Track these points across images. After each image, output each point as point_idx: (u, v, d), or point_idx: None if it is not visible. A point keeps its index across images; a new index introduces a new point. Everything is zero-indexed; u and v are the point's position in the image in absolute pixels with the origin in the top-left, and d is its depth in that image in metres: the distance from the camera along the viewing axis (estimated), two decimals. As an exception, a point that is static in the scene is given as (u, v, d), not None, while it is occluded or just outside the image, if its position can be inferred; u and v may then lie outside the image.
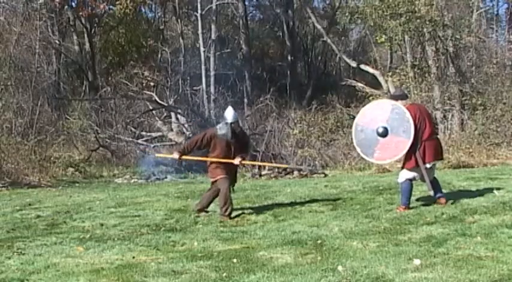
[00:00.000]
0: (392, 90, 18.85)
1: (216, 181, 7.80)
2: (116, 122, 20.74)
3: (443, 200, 7.56)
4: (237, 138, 7.80)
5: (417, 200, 8.15)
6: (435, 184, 7.60)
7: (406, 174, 7.50)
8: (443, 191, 8.74)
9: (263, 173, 15.39)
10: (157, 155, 9.01)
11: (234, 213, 7.72)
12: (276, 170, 15.94)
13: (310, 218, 7.38)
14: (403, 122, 7.31)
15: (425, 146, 7.32)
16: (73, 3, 25.73)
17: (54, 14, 24.93)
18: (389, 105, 7.54)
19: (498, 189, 8.36)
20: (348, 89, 22.64)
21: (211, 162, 7.87)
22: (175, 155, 7.99)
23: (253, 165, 10.82)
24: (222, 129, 7.74)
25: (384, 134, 7.36)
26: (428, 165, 7.38)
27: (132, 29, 27.56)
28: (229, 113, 7.81)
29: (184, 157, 8.09)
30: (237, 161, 7.72)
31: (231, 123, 7.72)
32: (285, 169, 16.30)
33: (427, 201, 7.90)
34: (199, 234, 6.72)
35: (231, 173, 7.82)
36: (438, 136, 7.82)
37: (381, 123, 7.41)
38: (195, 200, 9.13)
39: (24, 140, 16.17)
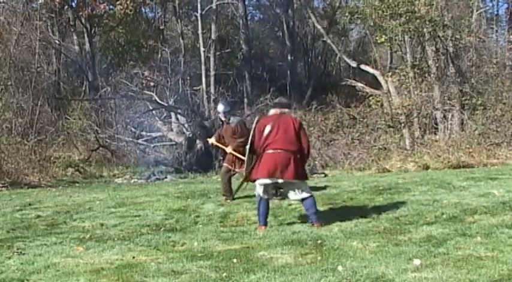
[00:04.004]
0: (392, 90, 18.90)
1: None
2: (116, 122, 20.73)
3: (317, 225, 6.71)
4: (228, 127, 8.82)
5: (417, 200, 8.15)
6: (309, 205, 6.82)
7: (257, 188, 6.91)
8: (442, 191, 8.78)
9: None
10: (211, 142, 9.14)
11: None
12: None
13: (310, 218, 7.36)
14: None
15: (263, 158, 6.67)
16: (73, 3, 25.71)
17: (54, 14, 24.88)
18: None
19: (498, 189, 8.36)
20: (348, 89, 22.62)
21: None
22: (228, 149, 8.93)
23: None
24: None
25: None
26: (265, 181, 6.70)
27: (132, 29, 27.54)
28: (219, 105, 9.21)
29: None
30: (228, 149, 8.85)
31: (221, 113, 8.92)
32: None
33: (427, 201, 7.90)
34: (199, 234, 6.72)
35: (233, 161, 8.81)
36: (301, 151, 6.70)
37: None
38: (195, 200, 9.14)
39: (24, 140, 16.11)
